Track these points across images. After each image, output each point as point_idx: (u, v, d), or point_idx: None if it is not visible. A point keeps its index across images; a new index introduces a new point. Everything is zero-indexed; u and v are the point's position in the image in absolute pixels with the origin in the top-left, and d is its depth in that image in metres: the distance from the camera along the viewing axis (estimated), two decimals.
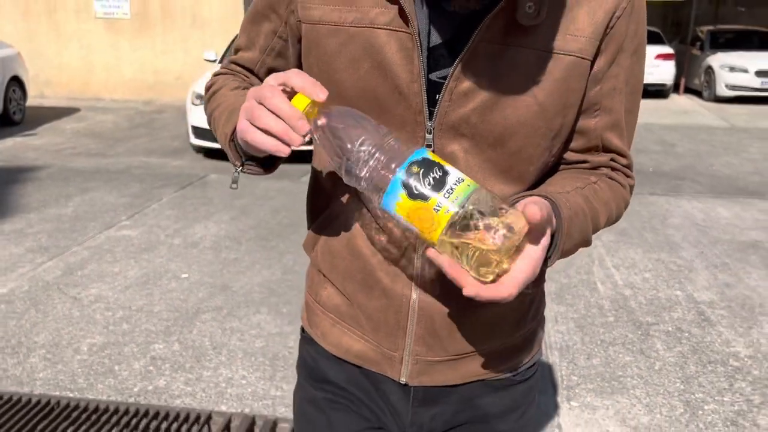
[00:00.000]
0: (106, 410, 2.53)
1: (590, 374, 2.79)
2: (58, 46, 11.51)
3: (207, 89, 0.96)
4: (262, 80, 0.92)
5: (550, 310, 3.38)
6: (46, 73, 11.52)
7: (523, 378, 0.96)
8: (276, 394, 2.61)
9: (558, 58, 0.76)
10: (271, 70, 0.91)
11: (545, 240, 0.70)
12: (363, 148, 0.68)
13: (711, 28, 13.79)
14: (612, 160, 0.87)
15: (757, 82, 11.71)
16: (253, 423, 2.46)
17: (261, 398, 2.59)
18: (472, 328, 0.89)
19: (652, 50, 12.55)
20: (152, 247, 4.21)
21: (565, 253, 0.78)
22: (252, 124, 0.70)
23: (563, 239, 0.75)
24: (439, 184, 0.66)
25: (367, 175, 0.68)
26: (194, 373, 2.75)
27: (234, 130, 0.79)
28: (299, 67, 0.88)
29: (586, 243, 0.82)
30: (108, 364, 2.82)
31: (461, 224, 0.64)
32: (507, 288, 0.67)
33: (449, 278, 0.68)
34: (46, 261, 3.95)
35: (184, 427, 2.46)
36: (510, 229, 0.64)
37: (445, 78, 0.77)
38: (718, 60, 12.23)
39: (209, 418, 2.50)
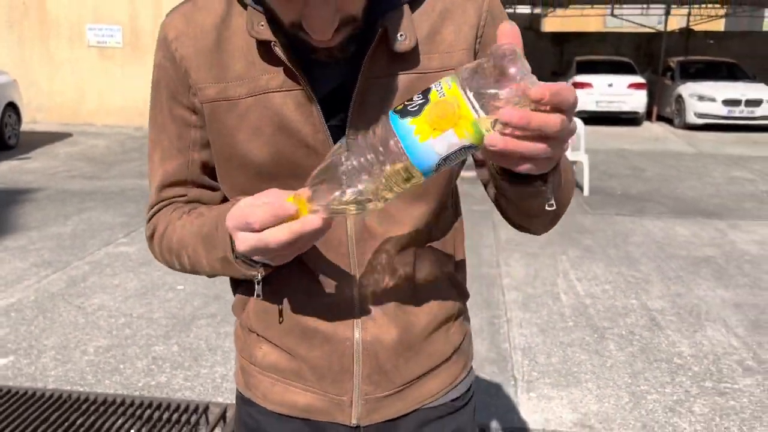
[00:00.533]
0: (114, 402, 2.82)
1: (548, 370, 3.12)
2: (51, 73, 11.83)
3: (150, 237, 0.91)
4: (198, 183, 0.89)
5: (516, 317, 3.72)
6: (39, 99, 11.81)
7: (463, 403, 0.99)
8: None
9: (442, 74, 0.77)
10: (204, 165, 0.88)
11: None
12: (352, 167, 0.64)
13: (681, 59, 14.43)
14: None
15: (724, 111, 12.28)
16: None
17: None
18: (413, 355, 0.91)
19: (625, 80, 13.14)
20: (149, 262, 4.51)
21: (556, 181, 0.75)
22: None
23: None
24: (426, 92, 0.61)
25: (376, 170, 0.63)
26: (192, 371, 3.04)
27: (232, 248, 0.76)
28: None
29: (564, 181, 0.80)
30: (113, 363, 3.10)
31: (477, 92, 0.58)
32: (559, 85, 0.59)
33: (520, 132, 0.58)
34: (50, 274, 4.23)
35: (184, 417, 2.75)
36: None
37: (345, 121, 0.81)
38: (688, 89, 12.81)
39: (206, 408, 2.79)
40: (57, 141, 9.96)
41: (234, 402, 2.81)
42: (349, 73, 0.79)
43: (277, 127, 0.80)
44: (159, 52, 0.85)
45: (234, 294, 0.96)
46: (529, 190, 0.73)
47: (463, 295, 0.98)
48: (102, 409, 2.78)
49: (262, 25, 0.76)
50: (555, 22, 18.57)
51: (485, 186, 0.92)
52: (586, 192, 6.91)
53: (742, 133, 12.35)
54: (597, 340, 3.46)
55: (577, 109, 9.62)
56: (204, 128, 0.85)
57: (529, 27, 17.77)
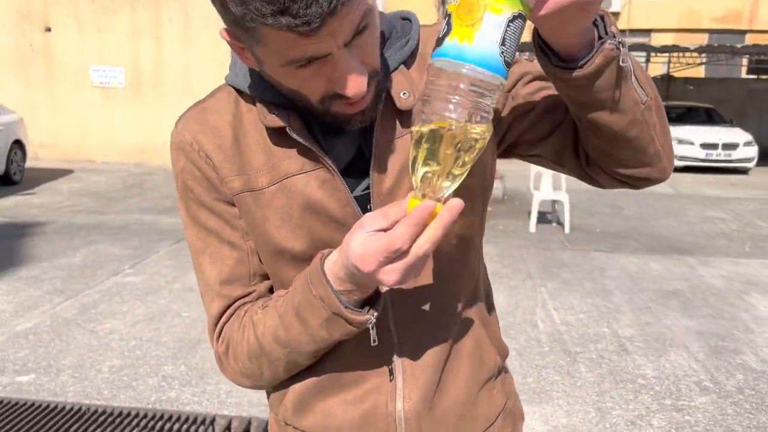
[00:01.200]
0: (128, 415, 3.10)
1: (523, 389, 3.43)
2: (55, 112, 12.23)
3: (225, 353, 0.87)
4: (262, 274, 0.88)
5: None
6: (42, 136, 12.18)
7: None
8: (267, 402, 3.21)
9: None
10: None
11: None
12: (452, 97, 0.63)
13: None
14: None
15: (702, 154, 12.81)
16: (249, 424, 3.05)
17: (256, 405, 3.18)
18: (458, 422, 0.90)
19: None
20: (155, 291, 4.81)
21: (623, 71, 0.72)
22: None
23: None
24: (446, 15, 0.65)
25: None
26: (199, 387, 3.34)
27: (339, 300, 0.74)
28: None
29: (644, 89, 0.76)
30: (127, 380, 3.39)
31: None
32: None
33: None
34: (63, 301, 4.53)
35: (193, 428, 3.03)
36: None
37: (367, 189, 0.82)
38: None
39: (213, 420, 3.08)
40: (60, 177, 10.30)
41: (238, 415, 3.10)
42: (362, 140, 0.82)
43: (304, 208, 0.81)
44: (180, 159, 0.84)
45: (268, 394, 0.97)
46: (604, 64, 0.69)
47: (502, 351, 0.97)
48: (118, 420, 3.06)
49: (274, 113, 0.79)
50: None
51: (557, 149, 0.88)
52: (567, 229, 7.29)
53: (721, 174, 12.87)
54: (569, 363, 3.78)
55: None
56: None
57: None
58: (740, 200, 9.91)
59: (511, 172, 10.16)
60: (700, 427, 3.10)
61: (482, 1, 0.59)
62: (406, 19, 0.87)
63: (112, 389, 3.30)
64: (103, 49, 12.10)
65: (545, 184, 7.44)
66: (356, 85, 0.71)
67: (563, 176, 7.49)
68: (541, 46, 0.72)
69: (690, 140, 12.93)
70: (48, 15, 12.11)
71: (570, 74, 0.70)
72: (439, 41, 0.63)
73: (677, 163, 12.93)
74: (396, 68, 0.83)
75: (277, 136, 0.81)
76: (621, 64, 0.70)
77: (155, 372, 3.50)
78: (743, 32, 20.80)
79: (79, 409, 3.13)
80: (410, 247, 0.66)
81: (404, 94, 0.81)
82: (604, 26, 0.70)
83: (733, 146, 12.82)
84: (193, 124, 0.84)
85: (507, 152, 0.93)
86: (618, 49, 0.69)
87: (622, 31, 16.24)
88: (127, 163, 12.06)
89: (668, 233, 7.44)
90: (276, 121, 0.79)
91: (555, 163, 0.90)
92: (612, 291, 5.17)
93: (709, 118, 14.33)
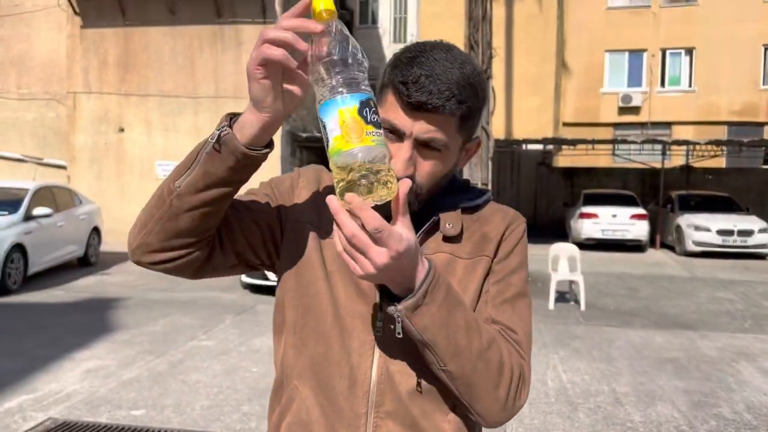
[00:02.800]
0: None
1: (530, 428, 4.24)
2: (123, 201, 13.69)
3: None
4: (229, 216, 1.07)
5: None
6: (111, 223, 13.56)
7: None
8: None
9: (472, 260, 1.08)
10: (240, 228, 1.08)
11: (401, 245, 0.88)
12: (358, 56, 0.89)
13: (680, 192, 15.92)
14: (501, 330, 1.07)
15: (719, 240, 13.53)
16: None
17: None
18: None
19: (628, 211, 14.57)
20: (226, 352, 5.78)
21: (425, 320, 0.94)
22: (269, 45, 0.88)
23: (429, 284, 0.94)
24: (376, 124, 0.88)
25: (351, 73, 0.88)
26: None
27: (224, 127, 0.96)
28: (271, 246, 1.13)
29: (454, 344, 0.97)
30: (215, 415, 4.32)
31: (371, 159, 0.87)
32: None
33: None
34: (155, 359, 5.52)
35: None
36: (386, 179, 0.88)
37: None
38: (686, 220, 14.16)
39: None
40: (128, 260, 11.52)
41: None
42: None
43: (341, 263, 1.01)
44: (292, 175, 1.17)
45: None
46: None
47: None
48: None
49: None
50: (566, 159, 20.42)
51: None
52: (582, 307, 8.10)
53: (738, 260, 13.51)
54: (570, 410, 4.58)
55: (585, 237, 11.44)
56: (275, 232, 1.11)
57: (542, 162, 19.61)
58: (751, 283, 10.57)
59: (534, 255, 11.03)
60: None
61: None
62: (485, 192, 1.18)
63: (205, 421, 4.22)
64: (168, 145, 13.65)
65: (562, 266, 8.33)
66: (398, 169, 0.97)
67: (578, 259, 8.37)
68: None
69: (707, 227, 13.68)
70: (122, 117, 13.81)
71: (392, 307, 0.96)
72: (363, 115, 0.88)
73: (695, 248, 13.65)
74: (455, 209, 1.10)
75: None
76: (434, 365, 0.98)
77: (236, 410, 4.42)
78: (761, 125, 21.74)
79: None
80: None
81: (450, 225, 1.08)
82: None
83: (748, 233, 13.52)
84: (312, 172, 1.18)
85: None
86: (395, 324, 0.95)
87: (643, 124, 17.36)
88: None
89: (676, 311, 8.17)
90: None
91: None
92: (616, 358, 5.95)
93: (726, 205, 15.10)
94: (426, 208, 1.07)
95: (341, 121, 0.86)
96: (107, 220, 13.43)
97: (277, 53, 0.87)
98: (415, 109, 0.98)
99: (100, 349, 5.80)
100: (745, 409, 4.69)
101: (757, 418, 4.52)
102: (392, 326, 0.97)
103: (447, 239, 1.08)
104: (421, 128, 0.99)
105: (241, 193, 1.09)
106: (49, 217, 9.09)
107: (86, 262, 10.51)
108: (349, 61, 0.88)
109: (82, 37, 13.79)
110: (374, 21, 21.87)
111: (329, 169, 0.98)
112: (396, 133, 1.00)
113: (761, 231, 13.61)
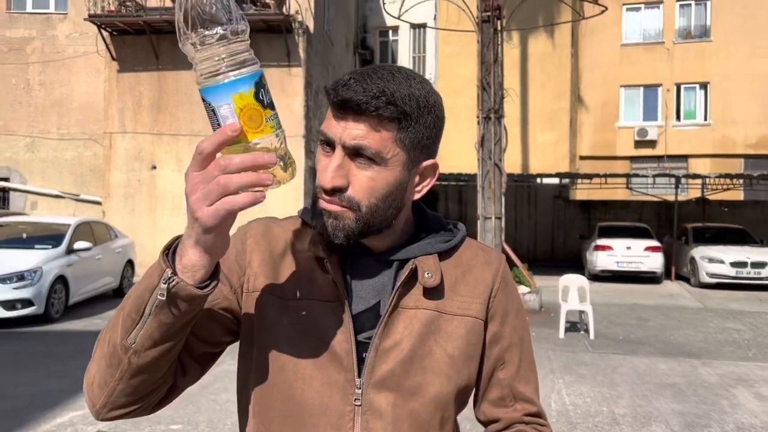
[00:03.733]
0: None
1: None
2: (154, 235, 14.36)
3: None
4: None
5: None
6: (142, 256, 14.23)
7: None
8: None
9: (459, 318, 1.00)
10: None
11: None
12: (235, 18, 0.76)
13: (694, 225, 16.18)
14: (524, 415, 1.07)
15: (732, 272, 13.74)
16: None
17: None
18: None
19: (642, 243, 14.86)
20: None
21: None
22: (222, 196, 0.77)
23: None
24: (271, 105, 0.79)
25: (233, 42, 0.76)
26: None
27: (171, 247, 0.87)
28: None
29: None
30: None
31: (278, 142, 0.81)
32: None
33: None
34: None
35: None
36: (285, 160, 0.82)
37: (370, 338, 0.96)
38: (699, 252, 14.40)
39: None
40: None
41: None
42: (383, 296, 0.98)
43: (311, 330, 0.96)
44: (237, 238, 1.03)
45: None
46: None
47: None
48: None
49: (321, 245, 0.96)
50: (582, 192, 20.79)
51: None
52: (591, 336, 8.44)
53: (753, 291, 13.69)
54: (569, 429, 4.96)
55: (600, 268, 11.96)
56: (234, 311, 1.00)
57: (558, 195, 20.00)
58: (762, 314, 10.79)
59: (546, 287, 11.40)
60: None
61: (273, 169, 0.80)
62: (457, 227, 1.08)
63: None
64: None
65: (572, 297, 8.70)
66: (325, 178, 0.91)
67: (588, 290, 8.75)
68: None
69: (720, 259, 13.91)
70: (155, 155, 14.58)
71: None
72: (260, 99, 0.79)
73: (709, 280, 13.87)
74: (431, 253, 1.00)
75: (320, 264, 0.97)
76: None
77: None
78: None
79: None
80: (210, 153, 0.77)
81: (428, 274, 0.98)
82: None
83: (762, 264, 13.72)
84: (260, 226, 1.04)
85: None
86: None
87: (660, 157, 17.80)
88: None
89: (683, 341, 8.48)
90: (319, 252, 0.96)
91: None
92: (618, 383, 6.31)
93: (741, 238, 15.31)
94: (397, 251, 1.00)
95: (238, 108, 0.76)
96: (139, 253, 14.10)
97: (246, 200, 0.77)
98: (340, 109, 0.91)
99: None
100: (735, 429, 5.03)
101: None
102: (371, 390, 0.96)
103: (427, 291, 0.99)
104: (349, 134, 0.91)
105: None
106: (88, 250, 9.72)
107: (120, 293, 11.11)
108: (233, 32, 0.76)
109: (119, 81, 14.66)
110: (394, 60, 22.67)
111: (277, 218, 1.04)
112: (329, 145, 0.93)
113: None
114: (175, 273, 0.83)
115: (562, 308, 8.64)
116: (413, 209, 1.06)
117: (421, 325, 0.98)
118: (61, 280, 8.96)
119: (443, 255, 1.03)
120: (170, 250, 0.87)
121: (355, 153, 0.92)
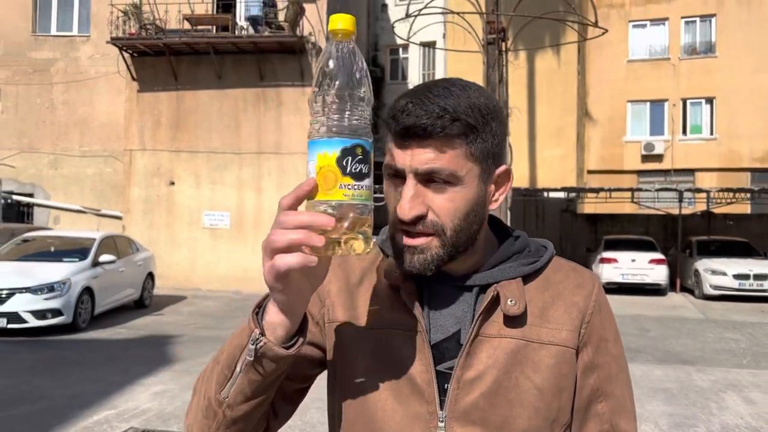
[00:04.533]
0: None
1: None
2: (172, 249, 14.89)
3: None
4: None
5: None
6: (161, 269, 14.73)
7: None
8: None
9: (547, 347, 0.93)
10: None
11: None
12: (362, 91, 0.81)
13: (698, 238, 16.49)
14: None
15: (735, 284, 14.04)
16: None
17: None
18: None
19: (647, 256, 15.19)
20: None
21: None
22: (275, 253, 0.77)
23: None
24: (358, 176, 0.79)
25: (345, 112, 0.79)
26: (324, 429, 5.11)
27: (259, 308, 0.87)
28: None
29: None
30: None
31: (344, 216, 0.79)
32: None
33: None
34: None
35: None
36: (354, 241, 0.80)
37: (451, 368, 0.91)
38: (703, 264, 14.70)
39: None
40: (177, 302, 12.63)
41: None
42: (463, 324, 0.94)
43: (390, 360, 0.93)
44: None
45: None
46: None
47: None
48: None
49: (396, 273, 0.93)
50: (590, 206, 21.14)
51: None
52: None
53: (756, 303, 13.96)
54: None
55: (605, 281, 12.54)
56: (319, 344, 1.00)
57: (566, 209, 20.37)
58: (762, 325, 11.09)
59: None
60: None
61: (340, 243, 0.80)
62: (544, 246, 1.02)
63: None
64: (214, 197, 14.89)
65: None
66: (403, 210, 0.87)
67: None
68: None
69: (723, 271, 14.21)
70: (173, 172, 15.14)
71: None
72: (342, 165, 0.79)
73: (713, 292, 14.16)
74: (514, 278, 0.95)
75: (395, 292, 0.95)
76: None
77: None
78: None
79: None
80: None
81: (512, 301, 0.92)
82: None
83: (764, 277, 14.00)
84: (334, 261, 0.96)
85: None
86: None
87: (667, 171, 18.16)
88: (226, 290, 14.38)
89: (681, 349, 8.82)
90: (395, 281, 0.94)
91: None
92: None
93: (744, 251, 15.60)
94: (477, 275, 0.96)
95: (318, 167, 0.79)
96: (158, 266, 14.60)
97: (293, 261, 0.77)
98: (405, 137, 0.88)
99: (164, 377, 6.78)
100: (720, 429, 5.39)
101: None
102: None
103: (509, 318, 0.94)
104: (418, 160, 0.88)
105: None
106: (112, 263, 10.23)
107: (141, 305, 11.62)
108: (349, 96, 0.80)
109: (139, 100, 15.27)
110: (404, 77, 23.23)
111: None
112: (399, 175, 0.90)
113: None
114: (263, 333, 0.85)
115: None
116: (496, 229, 1.03)
117: (506, 355, 0.92)
118: (87, 291, 9.46)
119: (529, 278, 0.98)
120: (261, 309, 0.88)
121: (428, 178, 0.89)
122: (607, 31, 11.86)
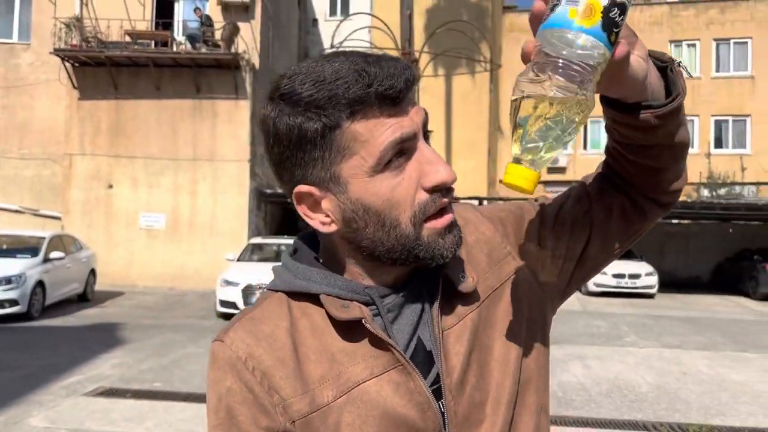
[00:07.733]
0: None
1: None
2: (110, 248, 15.85)
3: None
4: None
5: None
6: (99, 266, 15.69)
7: None
8: None
9: (498, 290, 0.84)
10: None
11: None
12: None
13: None
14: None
15: (613, 282, 16.33)
16: None
17: None
18: None
19: None
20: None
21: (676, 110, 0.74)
22: None
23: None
24: (615, 23, 0.64)
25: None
26: None
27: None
28: None
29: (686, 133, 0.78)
30: None
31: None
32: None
33: None
34: (159, 358, 7.79)
35: None
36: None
37: (435, 383, 0.77)
38: None
39: None
40: (117, 297, 13.70)
41: None
42: (419, 326, 0.79)
43: (380, 420, 0.75)
44: (226, 378, 0.78)
45: None
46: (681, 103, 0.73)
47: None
48: None
49: (346, 306, 0.75)
50: None
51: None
52: None
53: (629, 299, 16.28)
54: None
55: None
56: None
57: None
58: (624, 315, 13.27)
59: None
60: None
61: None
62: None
63: (204, 389, 6.57)
64: (151, 200, 15.96)
65: None
66: (448, 171, 0.73)
67: None
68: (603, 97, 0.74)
69: (604, 271, 16.48)
70: (112, 176, 16.10)
71: (648, 115, 0.71)
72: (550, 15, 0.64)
73: (595, 289, 16.40)
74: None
75: (346, 334, 0.76)
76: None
77: None
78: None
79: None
80: None
81: (462, 276, 0.81)
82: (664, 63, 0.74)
83: (637, 276, 16.36)
84: (246, 337, 0.78)
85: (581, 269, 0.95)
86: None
87: (570, 182, 20.83)
88: (162, 287, 15.48)
89: (554, 334, 10.57)
90: (354, 311, 0.75)
91: (626, 222, 0.90)
92: None
93: (625, 253, 17.90)
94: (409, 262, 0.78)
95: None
96: (97, 263, 15.58)
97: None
98: (396, 100, 0.73)
99: (119, 352, 8.06)
100: (557, 385, 7.20)
101: (564, 392, 7.03)
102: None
103: (464, 296, 0.81)
104: (419, 115, 0.75)
105: None
106: (61, 259, 11.29)
107: (85, 298, 12.65)
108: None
109: (79, 107, 16.14)
110: None
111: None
112: (405, 150, 0.74)
113: (648, 274, 16.46)
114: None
115: None
116: None
117: (470, 333, 0.80)
118: (40, 284, 10.52)
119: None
120: None
121: (424, 134, 0.77)
122: (500, 66, 13.77)
